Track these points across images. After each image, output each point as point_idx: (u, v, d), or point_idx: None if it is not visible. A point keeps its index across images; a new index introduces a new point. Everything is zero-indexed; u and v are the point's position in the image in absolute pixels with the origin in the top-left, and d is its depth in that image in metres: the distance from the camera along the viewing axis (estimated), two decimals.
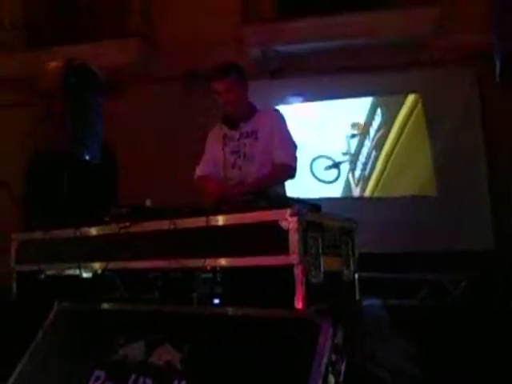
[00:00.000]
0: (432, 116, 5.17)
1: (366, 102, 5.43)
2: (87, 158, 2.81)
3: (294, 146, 2.60)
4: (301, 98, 5.41)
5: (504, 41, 4.17)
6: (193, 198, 2.46)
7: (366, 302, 2.79)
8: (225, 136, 2.65)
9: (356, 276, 2.20)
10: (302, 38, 5.14)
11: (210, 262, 1.87)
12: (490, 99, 5.00)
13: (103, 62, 3.37)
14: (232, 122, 2.63)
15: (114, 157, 3.13)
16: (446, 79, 5.13)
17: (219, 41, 5.20)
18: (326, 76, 5.32)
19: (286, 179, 2.58)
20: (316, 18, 5.15)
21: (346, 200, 5.07)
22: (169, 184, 4.52)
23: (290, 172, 2.54)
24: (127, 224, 2.06)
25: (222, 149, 2.62)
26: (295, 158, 2.55)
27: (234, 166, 2.58)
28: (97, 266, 2.25)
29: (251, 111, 2.65)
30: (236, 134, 2.61)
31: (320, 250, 1.85)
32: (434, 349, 3.19)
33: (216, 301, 2.08)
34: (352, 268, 2.16)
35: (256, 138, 2.56)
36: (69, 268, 2.37)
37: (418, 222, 4.82)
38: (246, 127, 2.60)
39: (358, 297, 2.24)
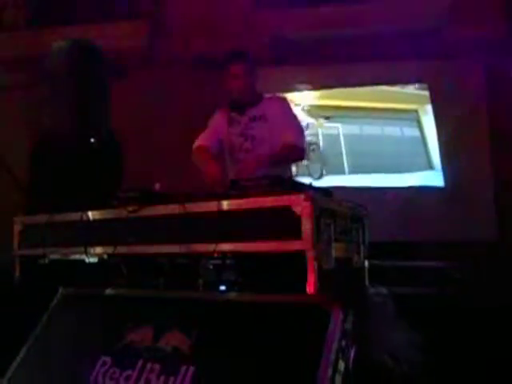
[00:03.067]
0: (439, 106, 5.14)
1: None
2: (93, 140, 2.76)
3: (302, 129, 2.64)
4: (309, 86, 5.36)
5: None
6: (202, 183, 2.44)
7: (372, 290, 2.78)
8: (231, 119, 2.65)
9: (366, 263, 2.18)
10: (313, 26, 5.08)
11: (220, 247, 1.84)
12: (497, 90, 4.96)
13: (110, 43, 3.29)
14: (239, 108, 2.63)
15: (119, 141, 3.08)
16: (455, 69, 5.09)
17: (229, 26, 5.15)
18: (336, 64, 5.27)
19: (295, 160, 2.59)
20: (328, 6, 5.11)
21: (353, 189, 5.04)
22: (177, 170, 4.47)
23: (300, 153, 2.56)
24: (136, 208, 2.02)
25: (228, 130, 2.62)
26: (304, 140, 2.56)
27: (240, 148, 2.58)
28: (103, 250, 2.21)
29: (258, 98, 2.68)
30: (244, 118, 2.61)
31: (332, 237, 1.82)
32: (439, 337, 3.19)
33: (222, 287, 2.06)
34: (362, 255, 2.14)
35: (266, 121, 2.57)
36: (74, 252, 2.33)
37: (425, 211, 4.82)
38: (254, 112, 2.61)
39: (367, 284, 2.23)
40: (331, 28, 5.05)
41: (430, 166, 5.20)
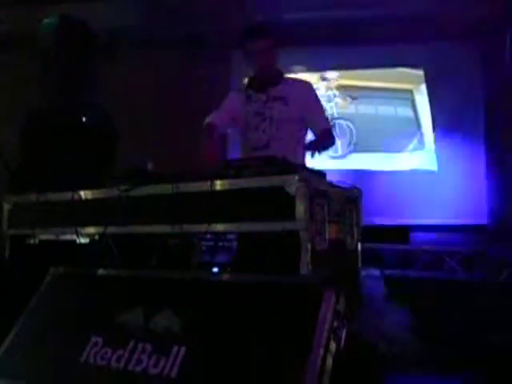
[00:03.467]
0: (435, 91, 5.14)
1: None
2: (85, 119, 2.71)
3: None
4: (304, 68, 5.30)
5: None
6: (195, 166, 2.39)
7: (365, 272, 2.79)
8: (249, 97, 2.54)
9: (359, 245, 2.17)
10: (308, 7, 5.00)
11: (212, 227, 1.82)
12: (493, 74, 4.93)
13: (101, 22, 3.21)
14: (260, 85, 2.53)
15: (112, 121, 3.02)
16: (450, 53, 5.07)
17: (222, 6, 5.05)
18: (331, 46, 5.24)
19: (332, 145, 2.53)
20: None
21: (347, 172, 5.03)
22: (169, 151, 4.45)
23: (334, 140, 2.53)
24: (128, 187, 1.99)
25: (245, 108, 2.52)
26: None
27: (257, 128, 2.49)
28: (94, 230, 2.18)
29: (280, 77, 2.59)
30: (263, 97, 2.50)
31: (326, 218, 1.81)
32: (430, 319, 3.23)
33: (215, 269, 2.04)
34: (355, 237, 2.13)
35: (286, 104, 2.48)
36: (64, 233, 2.30)
37: (418, 195, 4.84)
38: (275, 92, 2.51)
39: (359, 266, 2.23)
40: (325, 10, 4.97)
41: (423, 147, 5.20)
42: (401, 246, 4.50)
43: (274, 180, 1.73)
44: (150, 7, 5.35)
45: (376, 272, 3.60)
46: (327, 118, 2.58)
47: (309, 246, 1.67)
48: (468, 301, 3.56)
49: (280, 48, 2.55)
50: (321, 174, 1.95)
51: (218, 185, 1.82)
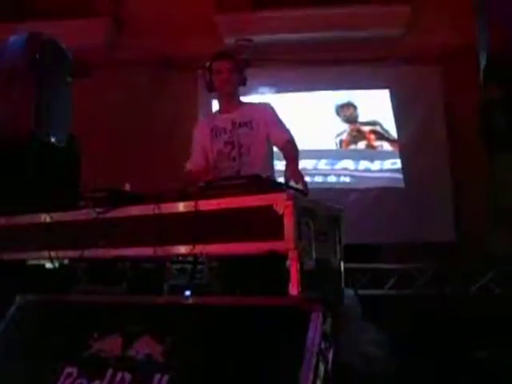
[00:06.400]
0: (399, 111, 5.29)
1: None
2: (53, 140, 2.61)
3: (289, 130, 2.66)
4: (274, 89, 5.36)
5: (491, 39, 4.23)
6: (170, 184, 2.34)
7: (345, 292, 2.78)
8: (214, 128, 2.62)
9: (342, 264, 2.16)
10: (276, 29, 5.11)
11: (197, 249, 1.76)
12: (453, 96, 5.14)
13: (68, 41, 3.12)
14: (227, 105, 2.65)
15: (76, 141, 2.94)
16: (414, 76, 5.28)
17: (191, 27, 5.07)
18: (300, 67, 5.32)
19: (297, 154, 2.55)
20: (291, 9, 5.17)
21: (318, 189, 5.06)
22: (141, 169, 4.36)
23: (296, 148, 2.54)
24: (106, 208, 1.90)
25: (212, 141, 2.60)
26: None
27: (228, 156, 2.55)
28: (69, 254, 2.08)
29: (241, 103, 2.70)
30: (228, 125, 2.58)
31: (312, 236, 1.79)
32: (403, 335, 3.25)
33: (187, 292, 1.98)
34: (338, 256, 2.12)
35: (251, 128, 2.56)
36: (36, 257, 2.18)
37: (386, 213, 4.92)
38: (239, 117, 2.60)
39: (343, 285, 2.21)
40: (295, 32, 5.09)
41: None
42: (370, 265, 4.53)
43: (261, 199, 1.69)
44: (115, 28, 5.32)
45: (350, 291, 3.60)
46: (288, 130, 2.59)
47: (298, 266, 1.64)
48: (442, 315, 3.62)
49: (245, 71, 2.68)
50: (302, 193, 1.94)
51: (203, 205, 1.77)
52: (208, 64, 2.62)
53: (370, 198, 5.06)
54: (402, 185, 5.19)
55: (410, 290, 4.32)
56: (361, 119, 5.50)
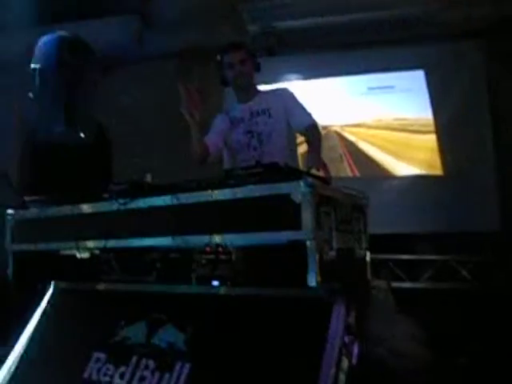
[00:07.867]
0: (437, 93, 4.98)
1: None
2: (82, 136, 2.67)
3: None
4: (301, 76, 5.25)
5: None
6: (193, 174, 2.36)
7: (373, 283, 2.72)
8: (233, 119, 2.62)
9: (367, 254, 2.10)
10: (303, 13, 4.95)
11: (215, 239, 1.76)
12: (498, 75, 4.80)
13: (98, 39, 3.19)
14: (244, 96, 2.63)
15: (106, 135, 3.01)
16: (453, 54, 4.93)
17: (217, 17, 5.04)
18: (328, 52, 5.17)
19: (320, 140, 2.51)
20: None
21: (350, 179, 4.95)
22: (168, 161, 4.43)
23: (320, 133, 2.51)
24: (127, 200, 1.94)
25: (231, 132, 2.60)
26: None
27: (248, 146, 2.53)
28: (94, 244, 2.13)
29: (257, 91, 2.68)
30: (246, 114, 2.56)
31: (333, 226, 1.74)
32: (441, 331, 3.14)
33: (215, 282, 1.99)
34: (363, 245, 2.06)
35: (270, 116, 2.53)
36: (65, 248, 2.26)
37: (424, 202, 4.71)
38: (257, 106, 2.57)
39: (369, 276, 2.15)
40: (323, 15, 4.93)
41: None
42: (408, 256, 4.38)
43: (279, 187, 1.65)
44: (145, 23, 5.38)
45: (383, 283, 3.51)
46: (309, 114, 2.53)
47: (316, 257, 1.60)
48: (480, 312, 3.46)
49: (263, 59, 2.74)
50: (325, 180, 1.90)
51: (220, 194, 1.76)
52: (219, 58, 2.59)
53: (406, 186, 4.87)
54: (440, 172, 4.94)
55: (449, 283, 4.15)
56: None
